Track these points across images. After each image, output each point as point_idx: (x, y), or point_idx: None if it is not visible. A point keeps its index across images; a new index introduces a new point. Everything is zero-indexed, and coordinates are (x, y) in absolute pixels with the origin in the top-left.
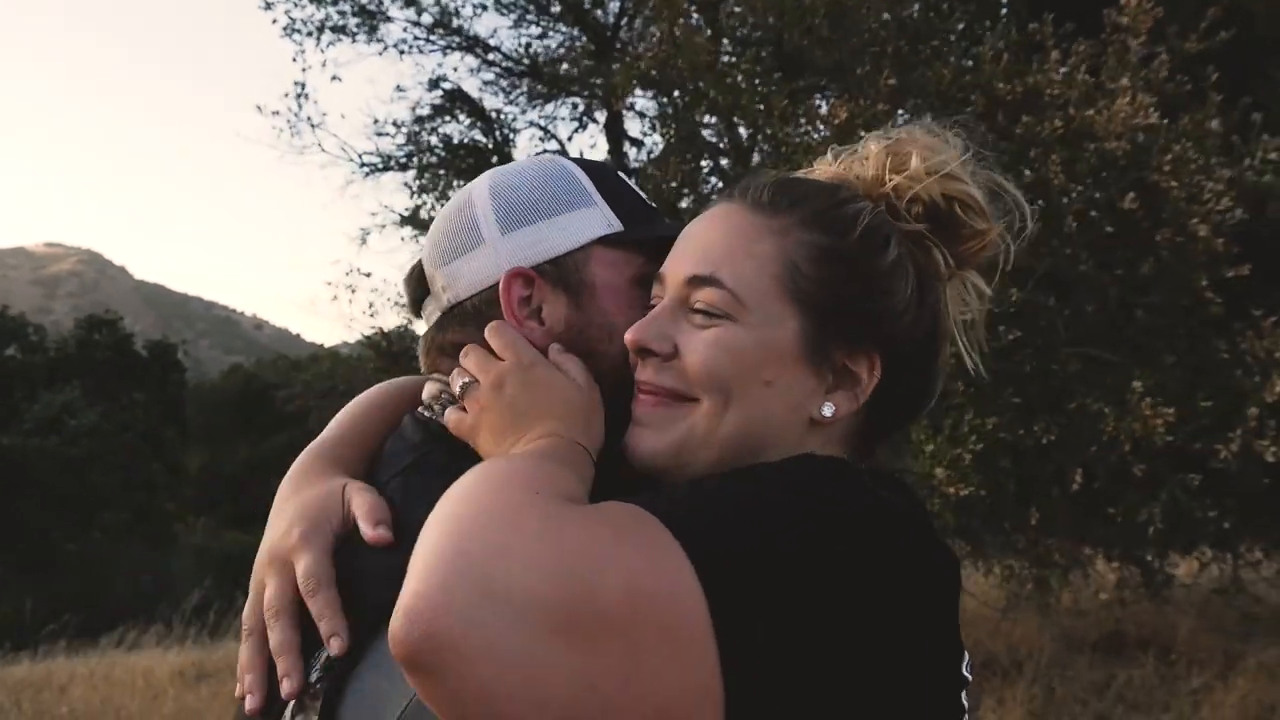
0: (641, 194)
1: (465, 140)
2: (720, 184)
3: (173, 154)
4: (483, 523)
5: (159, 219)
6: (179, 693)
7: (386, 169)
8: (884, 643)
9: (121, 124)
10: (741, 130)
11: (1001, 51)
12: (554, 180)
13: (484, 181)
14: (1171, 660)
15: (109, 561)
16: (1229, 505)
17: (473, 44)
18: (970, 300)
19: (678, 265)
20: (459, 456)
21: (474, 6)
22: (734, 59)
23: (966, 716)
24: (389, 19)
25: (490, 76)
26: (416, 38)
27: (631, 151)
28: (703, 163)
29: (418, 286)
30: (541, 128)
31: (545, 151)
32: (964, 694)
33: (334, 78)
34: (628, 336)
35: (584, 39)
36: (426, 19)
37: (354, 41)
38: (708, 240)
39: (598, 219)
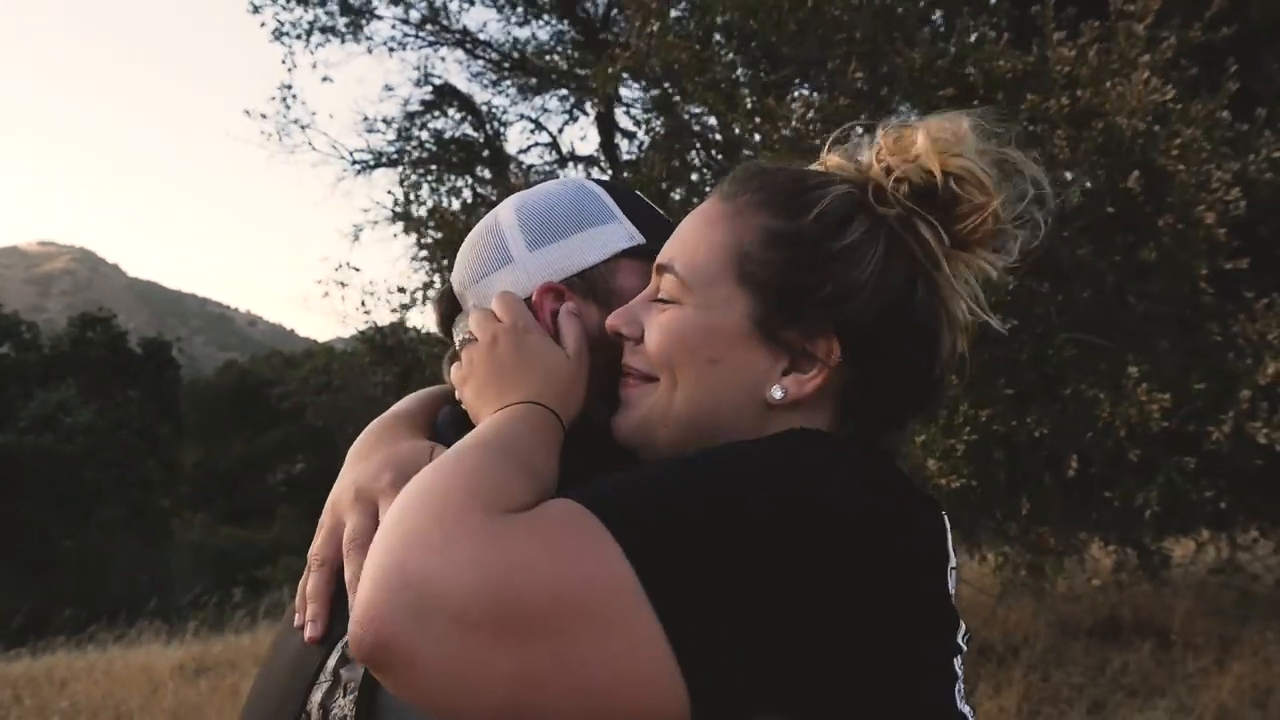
0: (659, 210)
1: (456, 135)
2: (710, 176)
3: (166, 153)
4: (420, 537)
5: (152, 217)
6: (178, 687)
7: (378, 165)
8: (844, 604)
9: (115, 123)
10: (732, 125)
11: (1002, 30)
12: (576, 199)
13: (509, 204)
14: (1168, 644)
15: (106, 558)
16: (1223, 486)
17: (462, 38)
18: (975, 286)
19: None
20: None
21: (461, 0)
22: (723, 51)
23: (961, 684)
24: (378, 17)
25: (479, 69)
26: (406, 34)
27: (624, 143)
28: (691, 156)
29: (448, 304)
30: (532, 120)
31: (536, 144)
32: (957, 661)
33: (324, 79)
34: (606, 322)
35: (573, 31)
36: (414, 15)
37: (343, 43)
38: (680, 232)
39: (620, 233)
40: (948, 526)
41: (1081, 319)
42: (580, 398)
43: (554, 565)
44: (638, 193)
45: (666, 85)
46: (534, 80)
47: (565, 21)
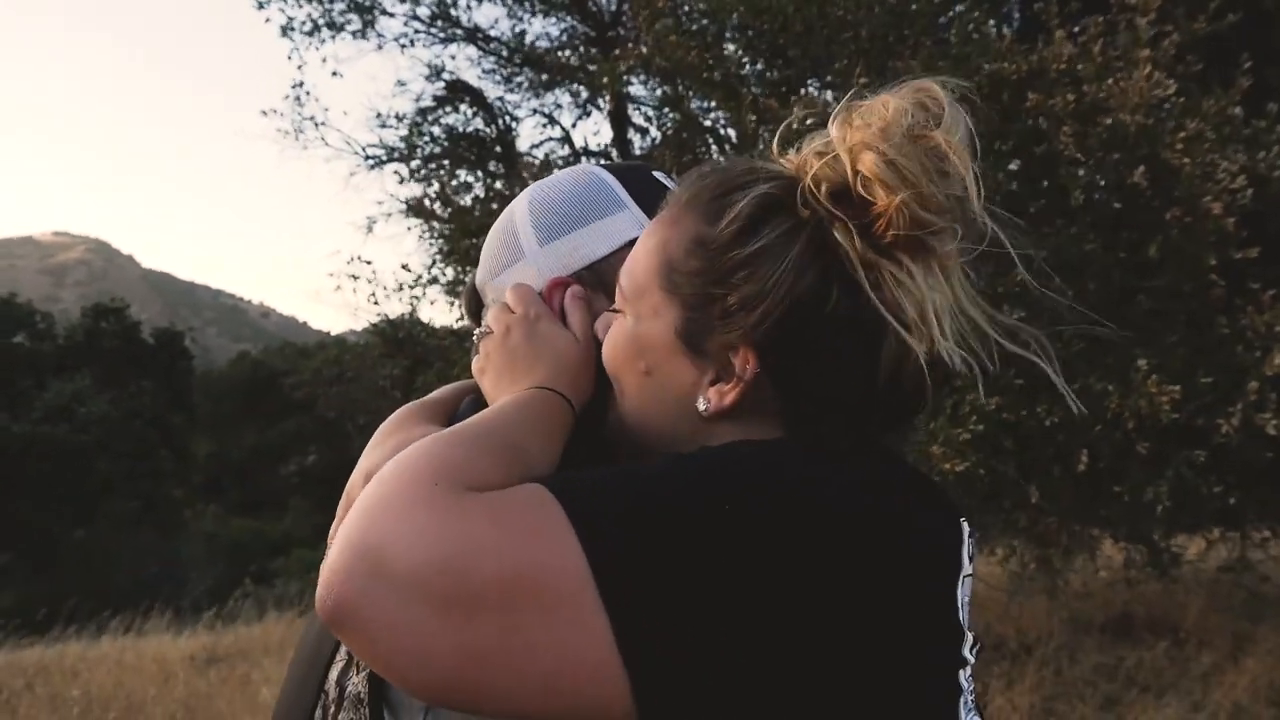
0: (673, 186)
1: (468, 130)
2: None
3: (181, 146)
4: (383, 512)
5: (166, 209)
6: (190, 677)
7: (390, 160)
8: (839, 605)
9: (130, 116)
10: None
11: (1008, 25)
12: (585, 189)
13: (524, 197)
14: (1181, 641)
15: (117, 550)
16: (1232, 481)
17: (472, 34)
18: (913, 288)
19: None
20: None
21: None
22: (735, 51)
23: (968, 697)
24: (388, 14)
25: (490, 66)
26: (417, 31)
27: (636, 139)
28: (703, 151)
29: (473, 300)
30: (545, 115)
31: (549, 139)
32: (964, 673)
33: (334, 73)
34: (594, 326)
35: (584, 27)
36: (424, 11)
37: (354, 38)
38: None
39: (630, 221)
40: (965, 535)
41: (1092, 311)
42: (591, 380)
43: (506, 546)
44: (653, 172)
45: (678, 83)
46: (545, 76)
47: (576, 17)
